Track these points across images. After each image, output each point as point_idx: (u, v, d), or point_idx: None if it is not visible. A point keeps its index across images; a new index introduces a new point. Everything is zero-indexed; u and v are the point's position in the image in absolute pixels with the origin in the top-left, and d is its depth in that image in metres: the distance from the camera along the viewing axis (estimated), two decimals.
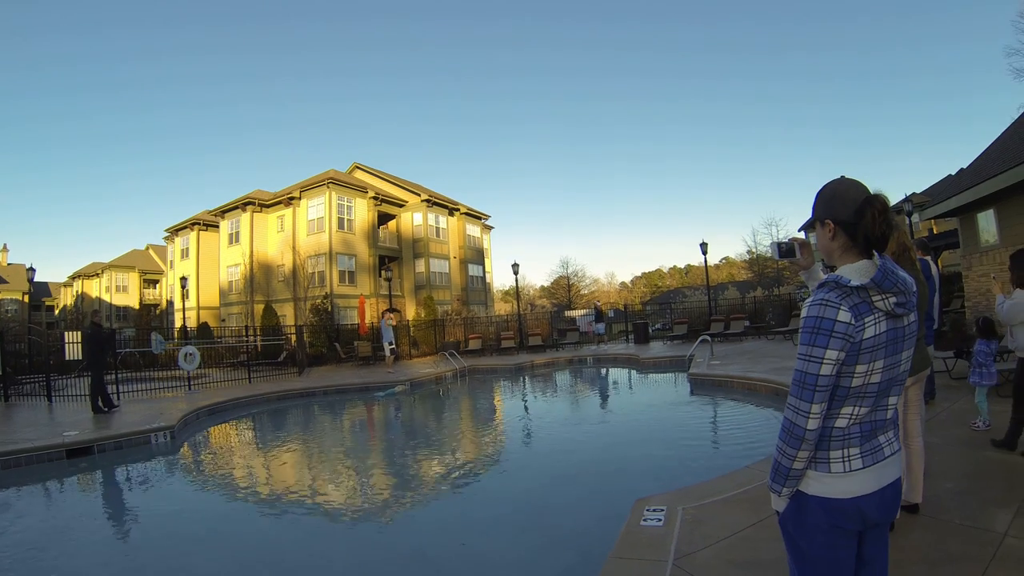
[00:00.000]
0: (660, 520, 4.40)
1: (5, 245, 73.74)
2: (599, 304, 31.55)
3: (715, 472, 6.20)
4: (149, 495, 8.21)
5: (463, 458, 9.25)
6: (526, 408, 13.98)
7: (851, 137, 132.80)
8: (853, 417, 1.88)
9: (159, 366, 20.42)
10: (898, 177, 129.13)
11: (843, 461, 1.88)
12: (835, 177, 2.07)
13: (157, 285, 65.47)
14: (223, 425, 13.60)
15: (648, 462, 7.70)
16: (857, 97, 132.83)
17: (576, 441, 9.49)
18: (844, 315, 1.81)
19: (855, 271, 1.92)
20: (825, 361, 1.80)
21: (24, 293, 67.92)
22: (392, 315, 23.59)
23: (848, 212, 1.93)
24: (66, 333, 19.04)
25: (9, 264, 64.78)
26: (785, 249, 2.30)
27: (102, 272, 65.19)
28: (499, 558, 5.03)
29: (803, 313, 1.91)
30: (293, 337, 24.48)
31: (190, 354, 17.70)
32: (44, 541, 6.06)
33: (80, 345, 16.61)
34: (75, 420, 12.52)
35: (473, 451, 9.77)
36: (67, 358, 17.85)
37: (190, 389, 17.65)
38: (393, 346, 22.24)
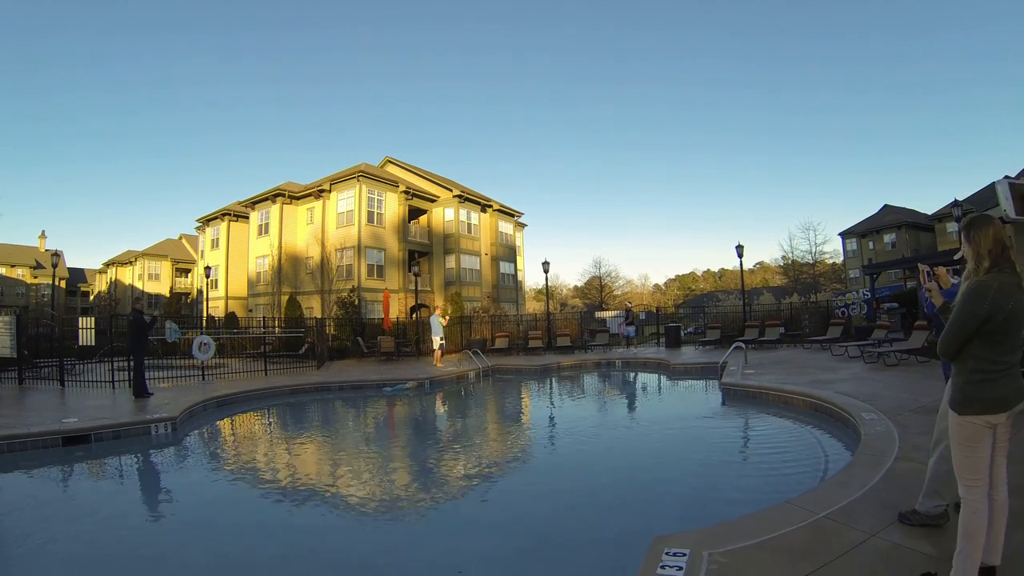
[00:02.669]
0: (680, 568, 3.62)
1: (44, 232, 75.18)
2: (631, 306, 30.37)
3: (746, 503, 5.43)
4: (132, 487, 7.94)
5: (463, 468, 8.46)
6: (543, 415, 13.16)
7: (886, 145, 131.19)
8: None
9: (179, 355, 19.97)
10: (935, 189, 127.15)
11: None
12: None
13: (189, 274, 65.97)
14: (229, 418, 13.11)
15: (671, 486, 6.83)
16: (893, 108, 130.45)
17: (593, 456, 8.61)
18: None
19: None
20: None
21: (61, 279, 69.13)
22: (437, 309, 23.20)
23: None
24: (80, 319, 18.85)
25: (47, 250, 65.56)
26: None
27: (135, 260, 66.25)
28: None
29: None
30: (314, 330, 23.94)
31: (204, 344, 17.24)
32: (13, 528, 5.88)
33: (92, 331, 16.47)
34: (80, 406, 12.23)
35: (476, 461, 8.94)
36: (80, 343, 17.58)
37: (204, 379, 17.24)
38: (443, 342, 21.92)
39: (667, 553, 3.80)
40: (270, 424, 13.04)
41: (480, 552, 5.15)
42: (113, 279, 69.27)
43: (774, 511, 4.66)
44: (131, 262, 67.13)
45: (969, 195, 48.18)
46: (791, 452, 7.81)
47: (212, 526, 6.06)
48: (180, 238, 72.11)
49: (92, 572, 4.86)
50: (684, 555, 3.76)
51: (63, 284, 71.22)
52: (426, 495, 7.10)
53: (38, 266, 67.72)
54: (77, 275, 76.95)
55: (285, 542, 5.41)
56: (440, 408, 14.65)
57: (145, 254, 66.15)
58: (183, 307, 57.18)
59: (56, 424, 10.00)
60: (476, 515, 6.25)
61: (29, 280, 66.17)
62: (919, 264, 4.32)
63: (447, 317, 23.55)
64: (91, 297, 76.78)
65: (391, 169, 45.13)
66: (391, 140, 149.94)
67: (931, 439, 4.30)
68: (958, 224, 23.51)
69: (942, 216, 52.48)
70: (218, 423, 12.51)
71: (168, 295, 62.88)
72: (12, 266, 65.26)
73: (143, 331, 14.07)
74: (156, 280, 65.63)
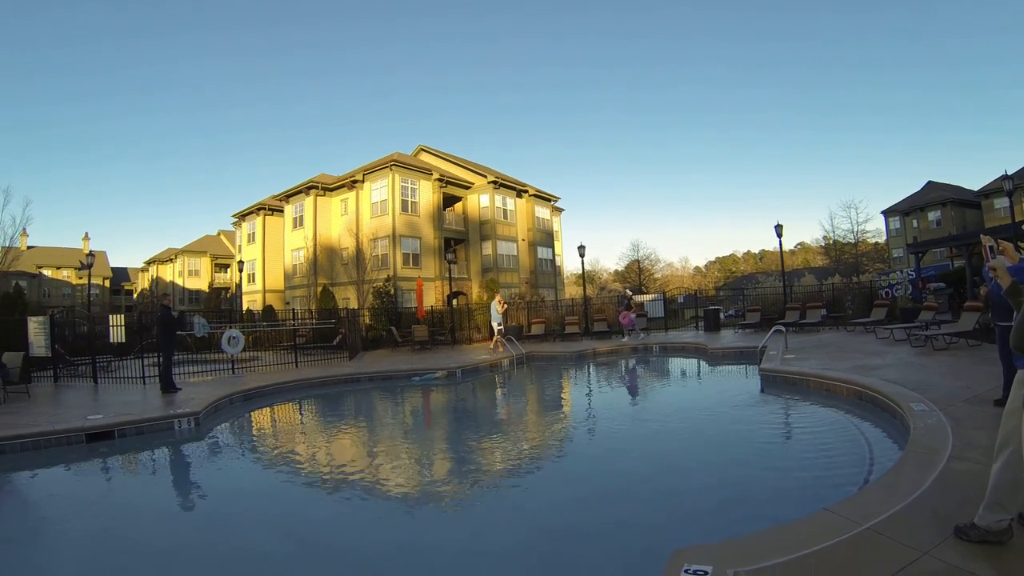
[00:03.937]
0: None
1: (87, 233, 77.01)
2: (631, 294, 28.93)
3: (780, 508, 4.96)
4: (148, 483, 7.89)
5: (476, 466, 8.05)
6: (571, 406, 12.75)
7: (929, 120, 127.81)
8: None
9: (212, 349, 20.04)
10: (981, 163, 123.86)
11: None
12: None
13: (228, 269, 66.81)
14: (256, 411, 13.03)
15: (697, 486, 6.28)
16: (934, 81, 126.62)
17: (616, 453, 8.04)
18: None
19: None
20: None
21: (105, 278, 70.85)
22: (497, 296, 23.51)
23: None
24: (110, 316, 19.05)
25: (90, 252, 67.01)
26: None
27: (175, 257, 67.66)
28: None
29: None
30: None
31: (233, 338, 17.29)
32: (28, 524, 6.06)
33: (122, 328, 16.67)
34: (108, 403, 12.31)
35: (492, 457, 8.49)
36: (111, 340, 17.68)
37: (234, 373, 17.33)
38: (501, 328, 22.03)
39: (686, 571, 3.37)
40: (293, 417, 12.96)
41: (487, 551, 4.86)
42: (155, 277, 70.80)
43: (811, 521, 4.13)
44: (171, 259, 68.61)
45: (1019, 168, 46.32)
46: (832, 448, 7.14)
47: (222, 520, 6.05)
48: (218, 234, 73.24)
49: (100, 566, 4.88)
50: (705, 573, 3.34)
51: (107, 283, 72.93)
52: (432, 491, 6.79)
53: (82, 267, 69.44)
54: (120, 274, 78.72)
55: (297, 536, 5.35)
56: (466, 398, 14.31)
57: (185, 251, 67.62)
58: (223, 302, 58.03)
59: (81, 421, 9.99)
60: (487, 512, 5.94)
61: (74, 281, 67.69)
62: (982, 237, 3.76)
63: (504, 304, 23.32)
64: (135, 295, 78.40)
65: (424, 157, 44.93)
66: (424, 128, 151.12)
67: (988, 435, 3.77)
68: (1009, 199, 22.48)
69: (989, 192, 50.29)
70: (242, 417, 12.42)
71: (208, 290, 63.86)
72: (58, 268, 66.98)
73: (171, 327, 14.11)
74: (196, 276, 67.00)
